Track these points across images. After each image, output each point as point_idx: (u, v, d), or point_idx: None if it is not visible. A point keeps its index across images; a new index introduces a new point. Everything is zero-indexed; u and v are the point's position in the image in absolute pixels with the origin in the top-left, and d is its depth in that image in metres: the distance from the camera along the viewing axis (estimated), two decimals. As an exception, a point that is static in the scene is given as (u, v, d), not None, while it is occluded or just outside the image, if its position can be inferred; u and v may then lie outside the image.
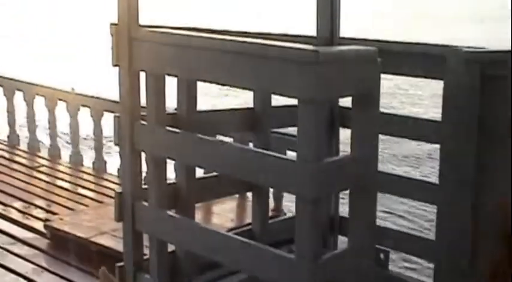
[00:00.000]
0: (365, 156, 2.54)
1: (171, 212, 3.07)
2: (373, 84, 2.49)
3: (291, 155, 4.03)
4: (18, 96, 7.54)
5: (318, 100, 2.26)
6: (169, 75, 2.87)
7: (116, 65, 2.94)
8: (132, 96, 2.90)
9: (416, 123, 3.46)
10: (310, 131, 2.26)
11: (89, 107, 6.80)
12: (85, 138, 8.38)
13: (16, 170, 6.74)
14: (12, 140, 7.80)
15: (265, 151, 2.72)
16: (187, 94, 3.07)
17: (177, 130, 2.90)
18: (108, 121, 7.31)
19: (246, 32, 3.47)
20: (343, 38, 3.80)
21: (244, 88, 2.70)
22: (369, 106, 2.51)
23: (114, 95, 3.30)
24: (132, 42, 2.86)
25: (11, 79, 7.94)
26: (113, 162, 7.84)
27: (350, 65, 2.37)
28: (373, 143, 2.57)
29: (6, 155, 7.37)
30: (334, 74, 2.28)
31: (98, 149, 6.87)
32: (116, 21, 2.94)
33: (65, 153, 7.31)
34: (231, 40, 2.55)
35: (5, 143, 7.81)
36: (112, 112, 6.45)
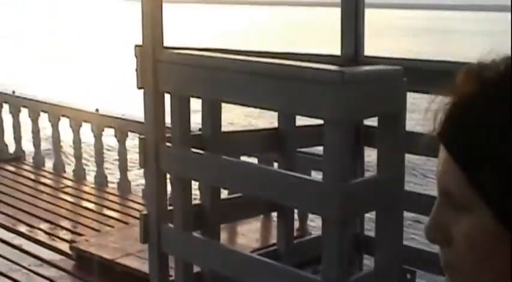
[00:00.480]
0: (391, 177, 2.52)
1: (196, 234, 3.07)
2: (399, 104, 2.47)
3: (317, 175, 4.03)
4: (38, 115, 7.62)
5: (344, 121, 2.25)
6: (193, 96, 2.88)
7: (140, 88, 2.96)
8: (157, 118, 2.91)
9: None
10: (336, 152, 2.25)
11: (113, 127, 6.84)
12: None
13: (41, 191, 6.79)
14: (38, 161, 7.87)
15: (290, 172, 2.71)
16: (212, 115, 3.07)
17: (202, 152, 2.90)
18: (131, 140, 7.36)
19: (268, 52, 3.47)
20: (369, 57, 3.78)
21: (269, 109, 2.70)
22: (395, 126, 2.50)
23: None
24: (156, 64, 2.88)
25: (36, 100, 8.03)
26: (135, 178, 7.86)
27: (376, 85, 2.36)
28: (399, 163, 2.54)
29: (32, 176, 7.43)
30: (360, 94, 2.27)
31: (123, 169, 6.90)
32: (140, 43, 2.96)
33: (90, 174, 7.36)
34: (255, 61, 2.55)
35: (30, 164, 7.88)
36: (136, 133, 6.52)
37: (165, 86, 2.89)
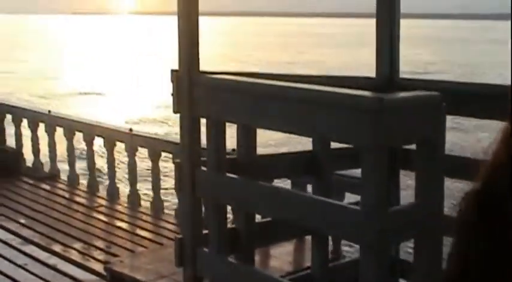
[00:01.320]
0: (430, 203, 2.48)
1: (231, 258, 3.05)
2: (437, 130, 2.44)
3: (351, 197, 3.99)
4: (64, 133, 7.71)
5: (382, 148, 2.23)
6: (229, 121, 2.88)
7: (176, 112, 2.97)
8: (193, 142, 2.92)
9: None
10: (373, 180, 2.22)
11: (146, 147, 6.89)
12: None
13: (76, 210, 6.84)
14: (72, 179, 7.95)
15: (326, 199, 2.68)
16: (247, 139, 3.07)
17: (236, 176, 2.89)
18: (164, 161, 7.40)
19: (303, 75, 3.47)
20: (404, 79, 3.75)
21: (304, 135, 2.69)
22: (434, 152, 2.46)
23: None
24: (192, 88, 2.89)
25: (71, 120, 8.13)
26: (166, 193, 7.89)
27: (414, 112, 2.33)
28: (438, 189, 2.50)
29: (66, 194, 7.50)
30: (398, 121, 2.25)
31: (156, 189, 6.93)
32: (177, 68, 2.98)
33: (123, 193, 7.40)
34: (291, 87, 2.54)
35: (65, 182, 7.96)
36: (169, 152, 6.55)
37: (201, 110, 2.89)
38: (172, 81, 2.99)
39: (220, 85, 2.82)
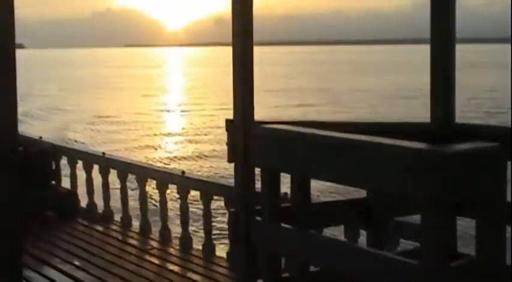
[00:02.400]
0: (493, 255, 2.40)
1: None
2: (499, 180, 2.38)
3: (405, 244, 3.91)
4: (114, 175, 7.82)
5: (443, 201, 2.18)
6: (283, 172, 2.87)
7: (231, 161, 2.98)
8: (248, 192, 2.92)
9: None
10: (435, 234, 2.17)
11: (198, 190, 6.92)
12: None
13: (129, 253, 6.89)
14: (125, 221, 8.03)
15: (381, 252, 2.63)
16: (301, 189, 3.05)
17: (291, 227, 2.87)
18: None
19: (358, 123, 3.45)
20: (460, 124, 3.69)
21: (362, 188, 2.65)
22: (495, 202, 2.39)
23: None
24: (247, 138, 2.90)
25: (125, 162, 8.26)
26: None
27: (474, 163, 2.28)
28: (501, 240, 2.43)
29: (120, 236, 7.58)
30: (457, 172, 2.20)
31: (207, 231, 6.93)
32: (231, 118, 3.00)
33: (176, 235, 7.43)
34: (346, 138, 2.52)
35: (118, 224, 8.05)
36: (221, 196, 6.57)
37: (256, 160, 2.90)
38: (227, 130, 3.01)
39: (275, 135, 2.82)
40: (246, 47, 3.00)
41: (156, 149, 24.66)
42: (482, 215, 2.41)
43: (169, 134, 28.90)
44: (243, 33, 2.99)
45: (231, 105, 2.95)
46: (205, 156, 22.15)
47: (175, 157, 22.42)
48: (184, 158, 22.31)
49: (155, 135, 28.46)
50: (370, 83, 55.22)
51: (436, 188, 2.16)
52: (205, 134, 27.62)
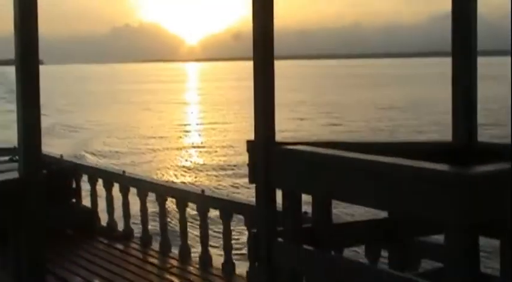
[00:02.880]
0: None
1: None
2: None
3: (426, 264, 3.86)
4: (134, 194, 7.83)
5: (466, 223, 2.16)
6: (305, 193, 2.86)
7: (252, 182, 2.98)
8: (269, 213, 2.91)
9: None
10: (458, 255, 2.15)
11: (218, 208, 6.92)
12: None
13: (149, 271, 6.89)
14: (145, 239, 8.04)
15: (404, 275, 2.61)
16: (323, 211, 3.04)
17: (313, 248, 2.86)
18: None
19: (379, 143, 3.44)
20: (482, 143, 3.65)
21: (384, 210, 2.64)
22: (520, 225, 2.37)
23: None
24: (268, 159, 2.90)
25: (145, 180, 8.28)
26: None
27: (497, 184, 2.26)
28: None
29: (140, 255, 7.58)
30: (482, 194, 2.18)
31: (227, 251, 6.92)
32: (252, 138, 3.01)
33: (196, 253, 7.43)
34: (368, 160, 2.51)
35: (138, 242, 8.06)
36: (241, 214, 6.56)
37: (277, 181, 2.90)
38: (248, 151, 3.02)
39: (296, 156, 2.82)
40: (267, 68, 3.00)
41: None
42: (507, 236, 2.39)
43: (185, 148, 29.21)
44: (263, 59, 3.00)
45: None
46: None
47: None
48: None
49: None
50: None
51: (460, 209, 2.14)
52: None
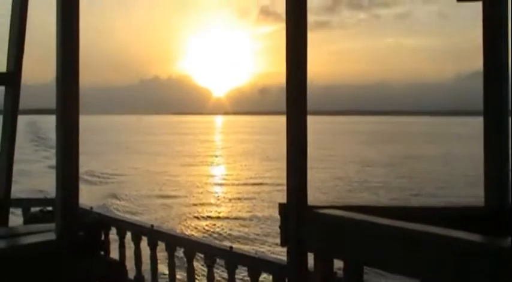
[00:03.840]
0: None
1: None
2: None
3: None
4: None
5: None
6: (336, 258, 2.86)
7: (284, 245, 2.99)
8: (301, 277, 2.91)
9: None
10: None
11: (246, 266, 6.87)
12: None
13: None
14: (172, 294, 8.00)
15: None
16: (355, 275, 3.02)
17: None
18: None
19: (412, 207, 3.43)
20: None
21: (414, 278, 2.62)
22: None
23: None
24: (301, 223, 2.91)
25: (173, 235, 8.29)
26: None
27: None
28: None
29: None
30: (515, 266, 2.16)
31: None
32: (284, 201, 3.03)
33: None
34: (402, 228, 2.51)
35: (164, 297, 8.03)
36: (270, 273, 6.51)
37: (309, 245, 2.90)
38: (280, 214, 3.03)
39: (328, 221, 2.83)
40: (300, 128, 3.04)
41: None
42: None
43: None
44: (296, 117, 3.05)
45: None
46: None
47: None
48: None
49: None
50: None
51: (492, 281, 2.12)
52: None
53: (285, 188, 2.98)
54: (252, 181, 37.39)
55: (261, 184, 36.49)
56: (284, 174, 2.92)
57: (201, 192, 33.38)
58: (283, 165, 3.01)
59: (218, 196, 30.94)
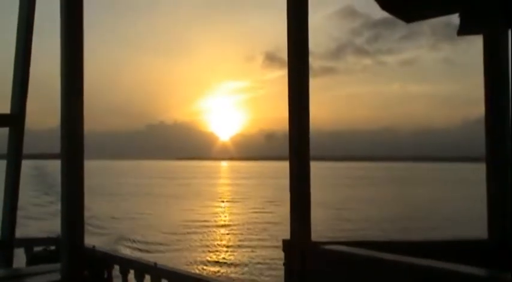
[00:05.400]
0: None
1: None
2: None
3: None
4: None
5: None
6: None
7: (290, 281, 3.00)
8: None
9: None
10: None
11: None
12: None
13: None
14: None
15: None
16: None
17: None
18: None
19: (416, 242, 3.43)
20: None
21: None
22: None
23: None
24: (304, 259, 2.92)
25: (176, 273, 8.24)
26: None
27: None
28: None
29: None
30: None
31: None
32: (288, 238, 3.04)
33: None
34: (401, 262, 2.52)
35: None
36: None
37: (314, 281, 2.90)
38: (283, 250, 3.04)
39: (332, 256, 2.84)
40: (304, 169, 3.07)
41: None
42: None
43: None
44: (300, 161, 3.07)
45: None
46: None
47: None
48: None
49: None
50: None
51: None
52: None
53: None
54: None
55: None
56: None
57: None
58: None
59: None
